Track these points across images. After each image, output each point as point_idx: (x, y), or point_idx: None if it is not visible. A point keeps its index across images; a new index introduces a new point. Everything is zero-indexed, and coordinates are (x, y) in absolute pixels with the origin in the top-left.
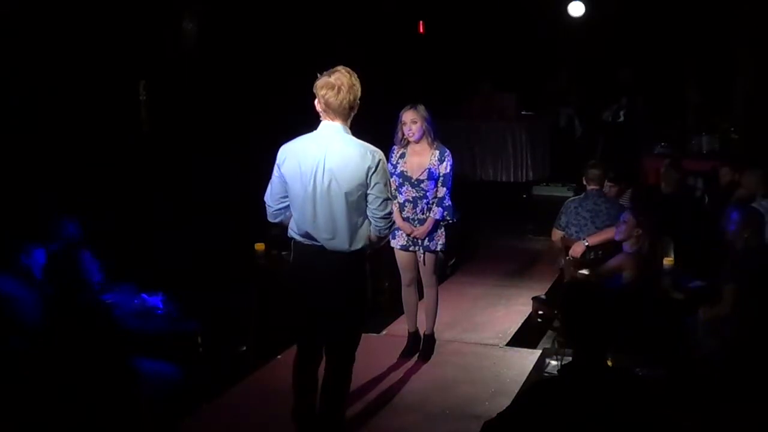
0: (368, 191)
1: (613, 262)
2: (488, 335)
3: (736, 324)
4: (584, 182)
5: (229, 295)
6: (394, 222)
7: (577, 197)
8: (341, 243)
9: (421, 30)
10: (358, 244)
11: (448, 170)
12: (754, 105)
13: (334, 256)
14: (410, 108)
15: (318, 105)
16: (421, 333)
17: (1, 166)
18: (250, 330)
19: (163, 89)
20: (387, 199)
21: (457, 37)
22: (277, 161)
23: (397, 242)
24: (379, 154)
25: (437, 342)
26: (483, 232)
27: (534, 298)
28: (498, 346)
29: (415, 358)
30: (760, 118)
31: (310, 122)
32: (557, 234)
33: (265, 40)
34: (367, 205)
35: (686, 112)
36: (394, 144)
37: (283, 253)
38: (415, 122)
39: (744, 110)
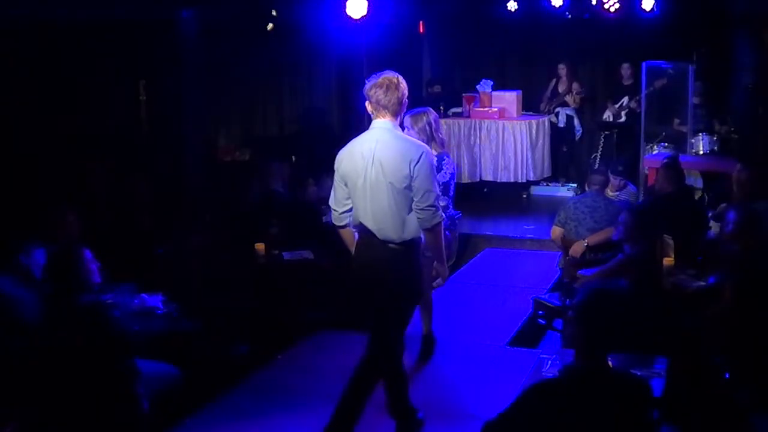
0: (411, 182)
1: (614, 262)
2: (488, 335)
3: (737, 324)
4: (586, 186)
5: (229, 295)
6: (439, 217)
7: (576, 196)
8: (390, 232)
9: (421, 30)
10: (408, 235)
11: (446, 178)
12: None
13: (385, 245)
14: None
15: (369, 106)
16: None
17: (1, 166)
18: (250, 330)
19: (163, 89)
20: (428, 191)
21: (457, 37)
22: (335, 165)
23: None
24: (424, 147)
25: (437, 342)
26: (483, 232)
27: (534, 298)
28: (498, 346)
29: (416, 358)
30: (760, 118)
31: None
32: (557, 231)
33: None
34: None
35: (686, 111)
36: None
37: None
38: (407, 129)
39: (744, 110)
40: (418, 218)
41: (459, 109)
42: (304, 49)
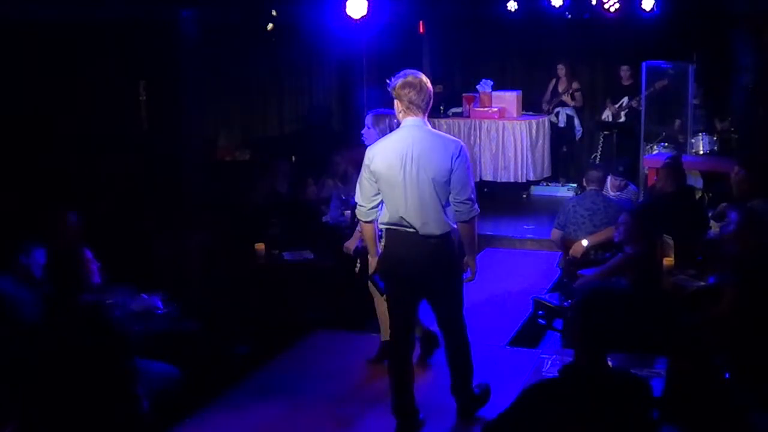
0: (451, 176)
1: (614, 262)
2: (488, 335)
3: (737, 324)
4: (584, 183)
5: (229, 295)
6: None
7: (575, 197)
8: (432, 227)
9: (421, 30)
10: (447, 228)
11: None
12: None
13: (426, 240)
14: (370, 113)
15: (400, 105)
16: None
17: (1, 166)
18: (250, 330)
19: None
20: (467, 185)
21: (457, 37)
22: (366, 162)
23: None
24: (460, 141)
25: (437, 342)
26: (483, 232)
27: (534, 298)
28: (498, 346)
29: (416, 358)
30: (760, 118)
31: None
32: (557, 234)
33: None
34: (449, 191)
35: (686, 111)
36: None
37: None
38: (368, 128)
39: (744, 110)
40: (456, 211)
41: (459, 109)
42: (304, 49)
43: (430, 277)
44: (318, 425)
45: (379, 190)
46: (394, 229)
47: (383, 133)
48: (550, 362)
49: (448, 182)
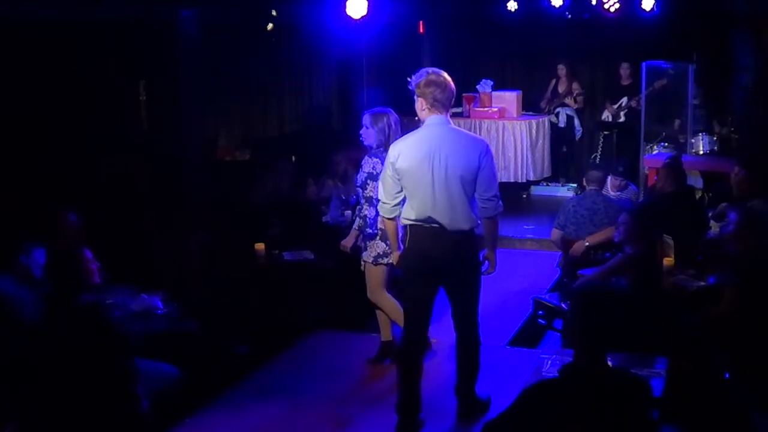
0: (478, 174)
1: (614, 262)
2: (488, 335)
3: (737, 324)
4: (584, 183)
5: (229, 295)
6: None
7: (575, 197)
8: (461, 223)
9: (421, 30)
10: (475, 223)
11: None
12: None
13: (453, 235)
14: (367, 113)
15: (424, 103)
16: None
17: (1, 166)
18: (250, 330)
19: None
20: (493, 182)
21: (457, 37)
22: (390, 160)
23: (370, 254)
24: (484, 139)
25: (437, 342)
26: (483, 232)
27: (534, 298)
28: (498, 346)
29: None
30: (760, 119)
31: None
32: (557, 234)
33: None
34: (476, 188)
35: (686, 111)
36: None
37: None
38: (366, 128)
39: (744, 110)
40: (483, 207)
41: (459, 109)
42: (304, 49)
43: (453, 271)
44: (318, 425)
45: (402, 187)
46: (419, 226)
47: (382, 132)
48: (550, 362)
49: (475, 180)
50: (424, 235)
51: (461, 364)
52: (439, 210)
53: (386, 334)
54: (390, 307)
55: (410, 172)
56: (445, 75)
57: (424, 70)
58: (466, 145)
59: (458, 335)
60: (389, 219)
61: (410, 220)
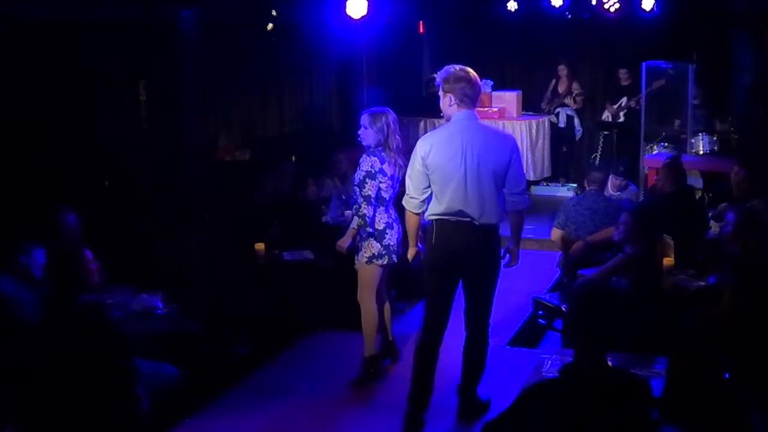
0: (509, 169)
1: (614, 262)
2: (488, 335)
3: (737, 324)
4: (585, 184)
5: (229, 295)
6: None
7: (576, 197)
8: (491, 217)
9: (421, 30)
10: (502, 218)
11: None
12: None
13: (481, 229)
14: (365, 112)
15: (453, 98)
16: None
17: (1, 166)
18: (250, 330)
19: (163, 89)
20: (522, 176)
21: (457, 37)
22: (420, 155)
23: (364, 254)
24: (513, 136)
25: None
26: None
27: (534, 298)
28: (498, 346)
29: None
30: (760, 118)
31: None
32: (557, 233)
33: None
34: (505, 183)
35: (686, 111)
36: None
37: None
38: (364, 128)
39: (744, 110)
40: (512, 202)
41: None
42: (304, 49)
43: (476, 265)
44: (318, 425)
45: (429, 182)
46: (447, 220)
47: (381, 132)
48: (550, 362)
49: (505, 174)
50: (452, 230)
51: (467, 364)
52: (471, 204)
53: (371, 348)
54: (368, 312)
55: (442, 166)
56: (471, 71)
57: (450, 66)
58: (497, 140)
59: (469, 333)
60: (415, 214)
61: (437, 214)
